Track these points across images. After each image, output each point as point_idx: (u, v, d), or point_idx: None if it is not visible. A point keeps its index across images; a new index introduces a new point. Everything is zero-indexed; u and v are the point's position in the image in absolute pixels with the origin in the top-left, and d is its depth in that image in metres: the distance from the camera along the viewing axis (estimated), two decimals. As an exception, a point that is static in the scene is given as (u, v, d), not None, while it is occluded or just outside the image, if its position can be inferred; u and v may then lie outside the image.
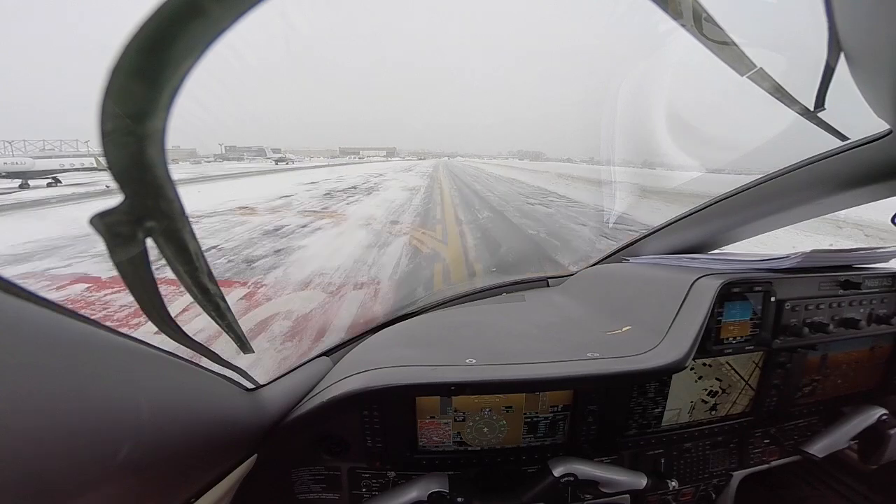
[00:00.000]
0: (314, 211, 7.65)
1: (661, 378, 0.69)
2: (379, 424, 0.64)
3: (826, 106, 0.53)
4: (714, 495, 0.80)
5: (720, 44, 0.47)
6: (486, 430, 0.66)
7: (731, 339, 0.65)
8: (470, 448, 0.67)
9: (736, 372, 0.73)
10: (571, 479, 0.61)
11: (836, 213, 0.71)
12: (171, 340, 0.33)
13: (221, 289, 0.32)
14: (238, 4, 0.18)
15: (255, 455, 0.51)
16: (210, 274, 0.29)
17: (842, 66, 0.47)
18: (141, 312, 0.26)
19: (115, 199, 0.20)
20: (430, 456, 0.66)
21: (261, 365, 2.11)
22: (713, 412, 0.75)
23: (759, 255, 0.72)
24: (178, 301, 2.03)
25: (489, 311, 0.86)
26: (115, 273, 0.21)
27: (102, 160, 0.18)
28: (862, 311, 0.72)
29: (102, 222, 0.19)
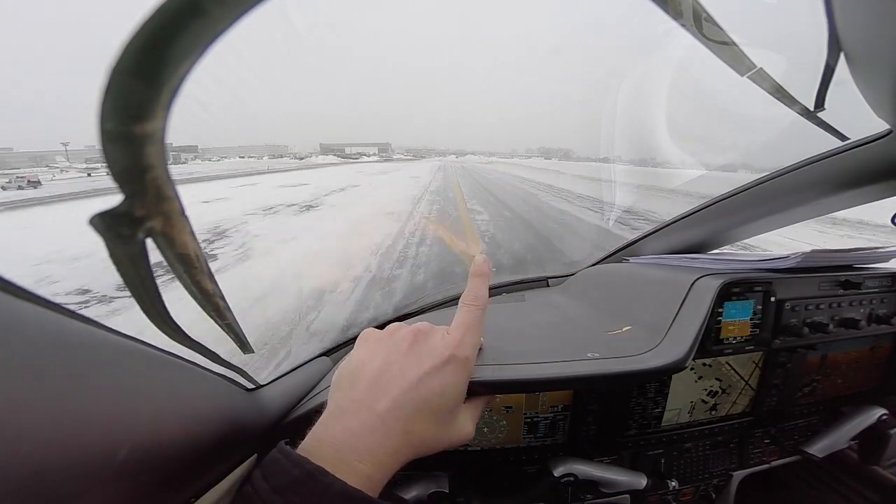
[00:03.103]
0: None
1: (661, 378, 0.69)
2: None
3: (826, 106, 0.53)
4: (714, 495, 0.80)
5: (721, 44, 0.47)
6: (486, 430, 0.66)
7: (731, 338, 0.65)
8: (470, 448, 0.67)
9: (736, 372, 0.73)
10: (571, 479, 0.61)
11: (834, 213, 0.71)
12: (171, 340, 0.33)
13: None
14: (239, 4, 0.18)
15: (255, 455, 0.51)
16: (210, 274, 0.29)
17: (842, 66, 0.47)
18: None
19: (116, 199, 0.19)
20: (430, 456, 0.66)
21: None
22: (713, 412, 0.75)
23: (760, 255, 0.72)
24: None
25: (489, 311, 0.85)
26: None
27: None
28: (862, 311, 0.72)
29: (102, 222, 0.19)
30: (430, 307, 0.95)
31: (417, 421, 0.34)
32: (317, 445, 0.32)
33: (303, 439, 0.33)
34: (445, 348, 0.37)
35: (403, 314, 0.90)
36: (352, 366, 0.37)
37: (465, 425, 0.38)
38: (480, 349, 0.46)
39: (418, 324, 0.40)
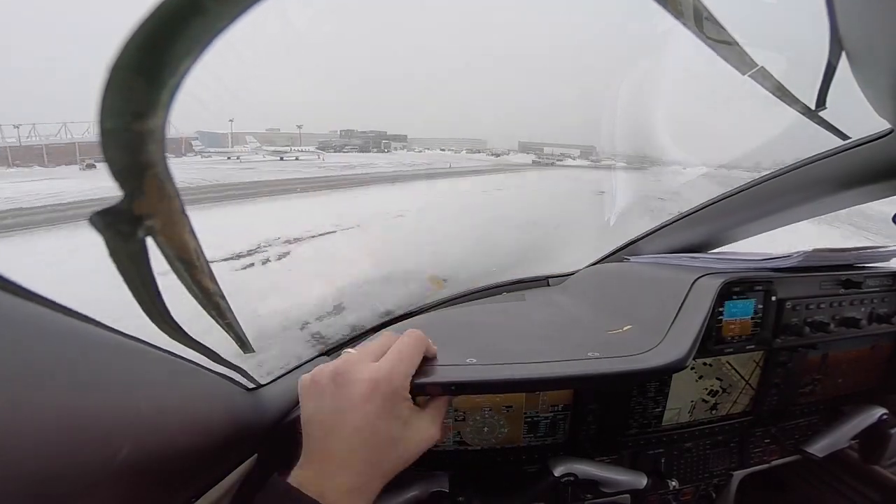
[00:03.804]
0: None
1: (661, 377, 0.69)
2: None
3: (827, 105, 0.53)
4: (714, 495, 0.80)
5: (721, 43, 0.47)
6: (486, 429, 0.66)
7: (731, 338, 0.65)
8: (470, 447, 0.67)
9: (736, 371, 0.73)
10: (571, 478, 0.61)
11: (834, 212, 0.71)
12: (172, 340, 0.33)
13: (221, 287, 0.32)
14: (239, 2, 0.18)
15: (255, 455, 0.51)
16: (210, 273, 0.29)
17: (843, 66, 0.47)
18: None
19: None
20: (430, 455, 0.66)
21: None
22: (714, 412, 0.75)
23: (761, 254, 0.72)
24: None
25: (489, 311, 0.85)
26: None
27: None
28: (863, 310, 0.72)
29: (102, 221, 0.19)
30: (429, 307, 0.95)
31: (371, 452, 0.35)
32: (300, 484, 0.34)
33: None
34: (367, 384, 0.37)
35: (402, 314, 0.90)
36: (304, 417, 0.38)
37: (424, 431, 0.40)
38: (431, 359, 0.46)
39: (338, 361, 0.40)
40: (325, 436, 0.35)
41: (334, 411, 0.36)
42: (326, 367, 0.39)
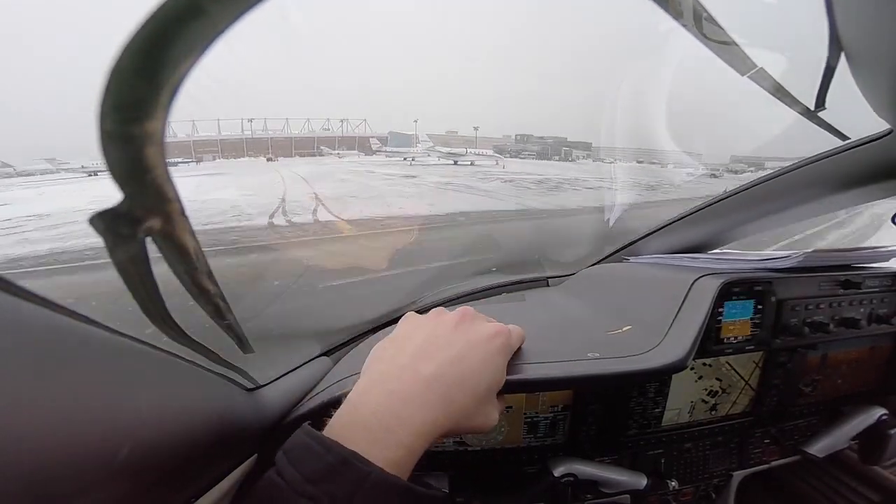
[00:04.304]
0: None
1: (661, 378, 0.69)
2: None
3: (827, 106, 0.53)
4: (714, 495, 0.80)
5: (721, 43, 0.47)
6: None
7: (731, 338, 0.65)
8: (470, 448, 0.67)
9: (736, 372, 0.73)
10: (571, 479, 0.61)
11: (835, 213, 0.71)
12: (171, 340, 0.33)
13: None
14: (239, 4, 0.18)
15: (255, 455, 0.51)
16: (210, 274, 0.29)
17: (842, 66, 0.47)
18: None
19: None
20: (430, 456, 0.66)
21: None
22: (713, 412, 0.75)
23: (760, 254, 0.72)
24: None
25: (489, 311, 0.85)
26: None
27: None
28: (862, 310, 0.72)
29: (102, 222, 0.19)
30: (430, 307, 0.95)
31: (459, 392, 0.33)
32: (350, 412, 0.31)
33: None
34: (493, 328, 0.39)
35: (403, 314, 0.90)
36: (397, 338, 0.38)
37: (493, 412, 0.38)
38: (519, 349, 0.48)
39: (464, 307, 0.41)
40: (417, 354, 0.34)
41: (447, 337, 0.35)
42: (446, 310, 0.40)
